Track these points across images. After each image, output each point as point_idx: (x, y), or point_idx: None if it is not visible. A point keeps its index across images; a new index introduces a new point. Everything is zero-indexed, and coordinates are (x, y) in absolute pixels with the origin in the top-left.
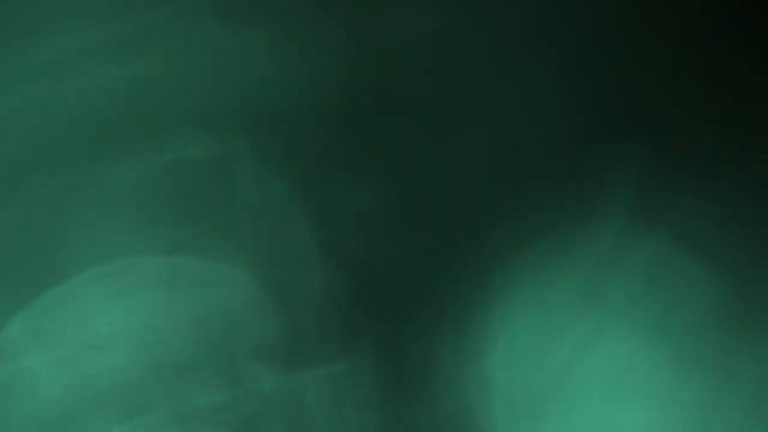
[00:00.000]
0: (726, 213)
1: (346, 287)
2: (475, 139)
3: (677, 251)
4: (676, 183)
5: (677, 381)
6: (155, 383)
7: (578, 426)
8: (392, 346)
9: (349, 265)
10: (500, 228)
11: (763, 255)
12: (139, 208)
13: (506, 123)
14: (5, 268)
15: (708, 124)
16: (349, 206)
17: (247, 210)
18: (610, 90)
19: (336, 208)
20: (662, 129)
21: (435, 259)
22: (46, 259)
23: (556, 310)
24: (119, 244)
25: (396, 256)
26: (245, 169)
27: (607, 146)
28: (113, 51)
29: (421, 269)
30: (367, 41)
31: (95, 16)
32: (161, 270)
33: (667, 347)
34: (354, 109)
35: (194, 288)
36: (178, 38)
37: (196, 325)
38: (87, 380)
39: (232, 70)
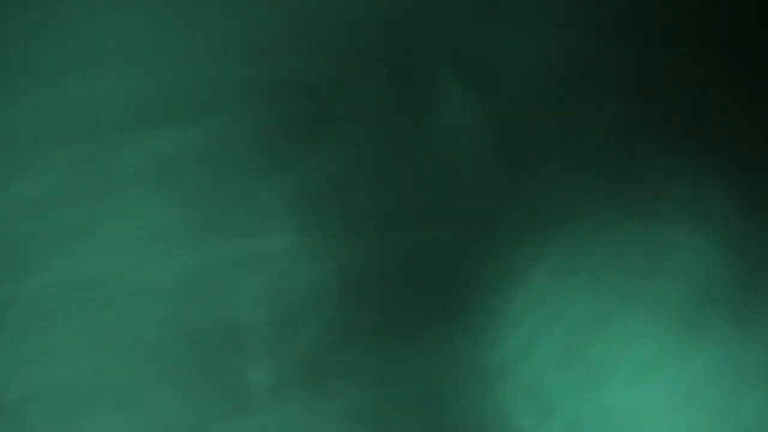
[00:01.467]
0: (746, 200)
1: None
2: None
3: (697, 236)
4: (702, 173)
5: (694, 360)
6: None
7: (598, 406)
8: (404, 331)
9: (361, 249)
10: (518, 217)
11: None
12: (162, 179)
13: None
14: (39, 224)
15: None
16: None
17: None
18: (646, 87)
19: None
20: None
21: (451, 240)
22: (86, 208)
23: (572, 293)
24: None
25: (411, 243)
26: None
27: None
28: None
29: (438, 253)
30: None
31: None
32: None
33: (686, 329)
34: (354, 80)
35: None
36: (185, 23)
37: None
38: (116, 331)
39: (235, 48)
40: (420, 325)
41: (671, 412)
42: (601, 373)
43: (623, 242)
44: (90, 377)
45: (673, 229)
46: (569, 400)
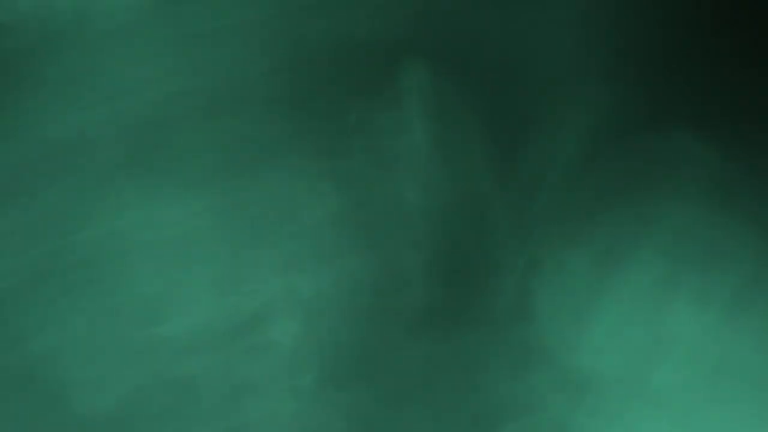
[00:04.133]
0: None
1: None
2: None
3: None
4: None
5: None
6: None
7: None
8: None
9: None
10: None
11: None
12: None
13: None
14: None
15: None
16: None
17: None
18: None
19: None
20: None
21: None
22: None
23: (616, 279)
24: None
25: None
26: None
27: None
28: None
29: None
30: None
31: None
32: None
33: (732, 316)
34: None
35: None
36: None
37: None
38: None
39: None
40: (461, 307)
41: (717, 399)
42: (646, 360)
43: (665, 228)
44: None
45: (709, 214)
46: (610, 387)
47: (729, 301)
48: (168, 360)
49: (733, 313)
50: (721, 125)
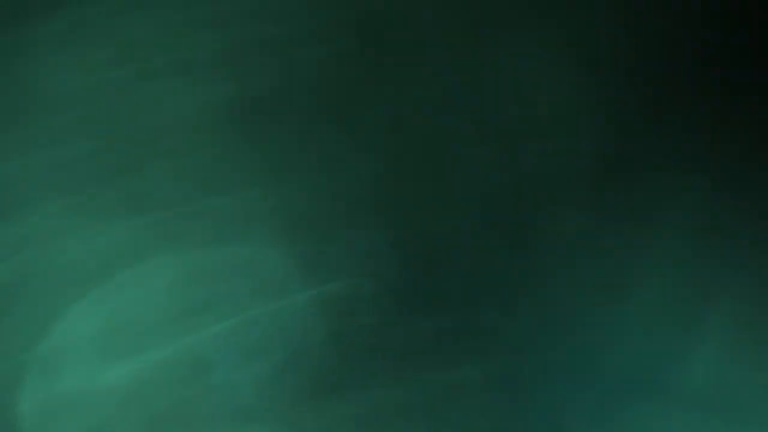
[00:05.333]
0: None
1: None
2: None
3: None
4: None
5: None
6: None
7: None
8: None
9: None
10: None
11: None
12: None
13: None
14: None
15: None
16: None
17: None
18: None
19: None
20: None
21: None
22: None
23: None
24: None
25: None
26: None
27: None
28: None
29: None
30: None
31: None
32: None
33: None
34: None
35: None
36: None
37: None
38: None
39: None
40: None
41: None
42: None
43: (659, 262)
44: None
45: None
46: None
47: (724, 334)
48: (121, 402)
49: (730, 347)
50: (714, 161)
